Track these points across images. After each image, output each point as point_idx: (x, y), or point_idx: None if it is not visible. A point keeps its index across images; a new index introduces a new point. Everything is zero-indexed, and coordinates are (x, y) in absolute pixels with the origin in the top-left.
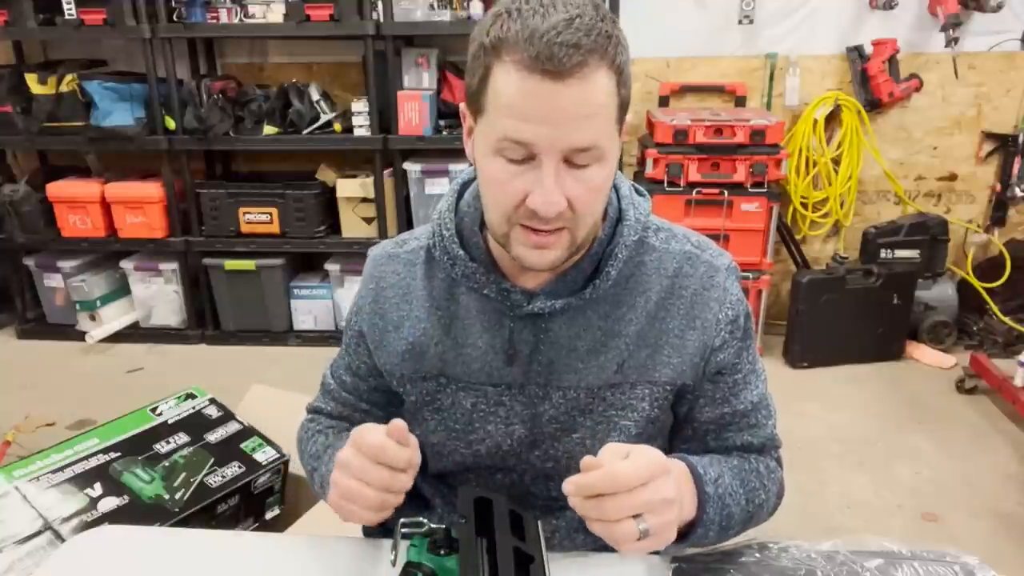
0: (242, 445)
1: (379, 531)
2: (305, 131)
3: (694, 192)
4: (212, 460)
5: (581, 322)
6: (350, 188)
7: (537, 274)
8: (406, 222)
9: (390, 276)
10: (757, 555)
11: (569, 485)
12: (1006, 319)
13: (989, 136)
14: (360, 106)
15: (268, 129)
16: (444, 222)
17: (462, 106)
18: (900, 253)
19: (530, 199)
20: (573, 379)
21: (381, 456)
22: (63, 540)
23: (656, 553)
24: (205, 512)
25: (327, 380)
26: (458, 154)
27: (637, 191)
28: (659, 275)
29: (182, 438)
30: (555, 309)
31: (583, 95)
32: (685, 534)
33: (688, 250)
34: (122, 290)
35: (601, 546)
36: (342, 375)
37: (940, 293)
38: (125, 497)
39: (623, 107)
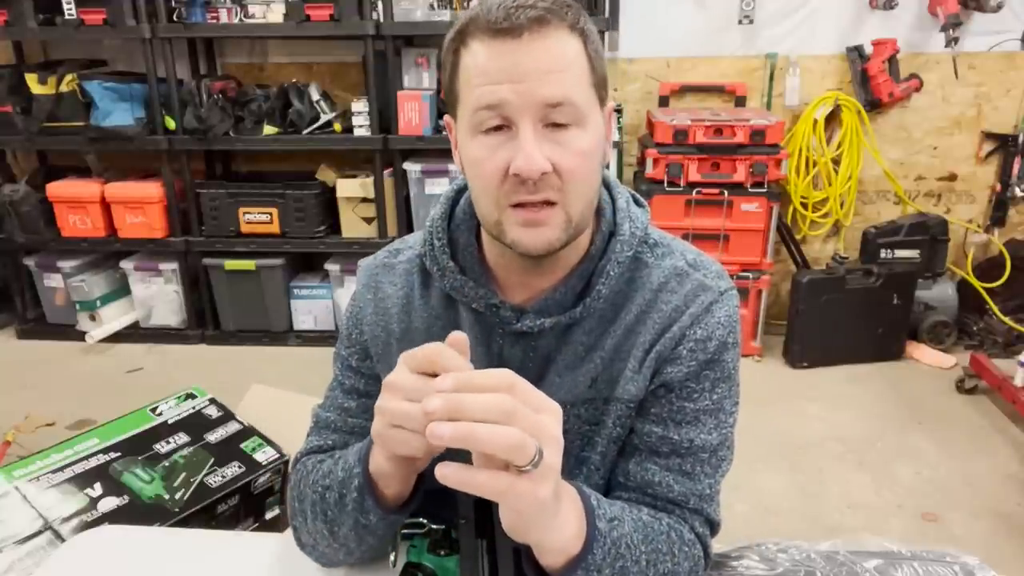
0: (242, 445)
1: None
2: (305, 131)
3: (694, 192)
4: (212, 460)
5: (566, 338)
6: (350, 188)
7: (528, 287)
8: (406, 222)
9: (387, 287)
10: (756, 556)
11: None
12: (1006, 319)
13: (989, 136)
14: (360, 106)
15: (268, 129)
16: (436, 231)
17: (446, 119)
18: (900, 253)
19: (512, 164)
20: (548, 392)
21: (438, 363)
22: (63, 540)
23: None
24: (205, 512)
25: (322, 416)
26: None
27: (636, 201)
28: (644, 289)
29: (182, 438)
30: (544, 328)
31: (545, 49)
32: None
33: (680, 266)
34: (122, 290)
35: None
36: (342, 403)
37: (940, 293)
38: (125, 497)
39: (598, 74)
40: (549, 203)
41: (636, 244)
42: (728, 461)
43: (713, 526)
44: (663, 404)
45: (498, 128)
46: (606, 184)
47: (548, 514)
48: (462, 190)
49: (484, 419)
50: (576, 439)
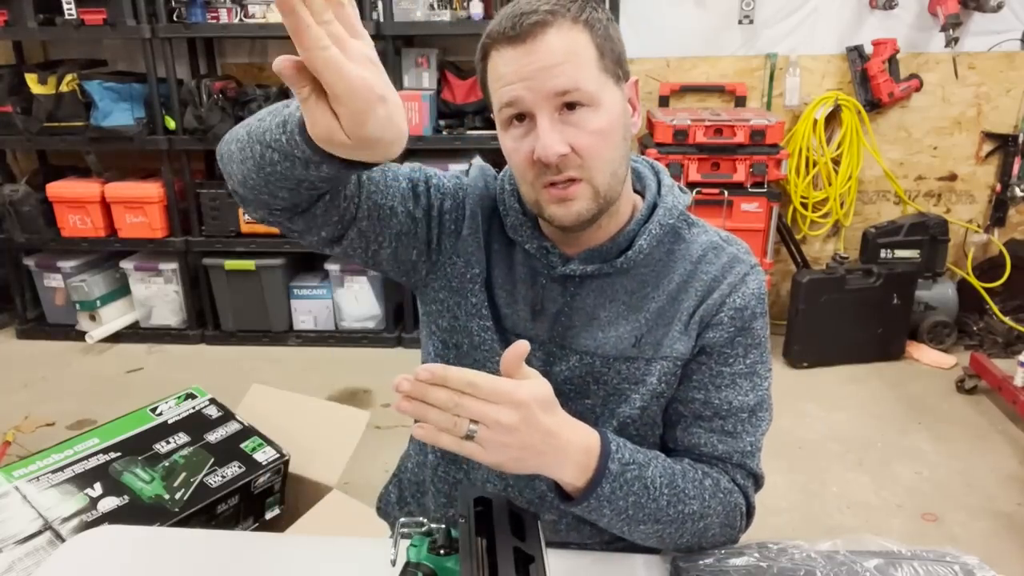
0: (242, 445)
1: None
2: None
3: (694, 192)
4: (212, 460)
5: (608, 292)
6: None
7: (576, 243)
8: None
9: (487, 209)
10: (757, 555)
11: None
12: (1006, 319)
13: (989, 136)
14: None
15: None
16: (508, 177)
17: (493, 113)
18: (900, 253)
19: (535, 152)
20: (591, 345)
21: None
22: (63, 540)
23: (655, 552)
24: (205, 512)
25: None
26: (458, 154)
27: (680, 188)
28: (684, 261)
29: (182, 438)
30: (587, 273)
31: (548, 47)
32: (575, 497)
33: (716, 241)
34: (122, 290)
35: (608, 539)
36: (398, 170)
37: (940, 293)
38: (125, 497)
39: (610, 56)
40: (575, 180)
41: (678, 215)
42: (767, 421)
43: (757, 479)
44: (704, 370)
45: (521, 118)
46: (653, 167)
47: (525, 463)
48: None
49: (436, 406)
50: (612, 393)
